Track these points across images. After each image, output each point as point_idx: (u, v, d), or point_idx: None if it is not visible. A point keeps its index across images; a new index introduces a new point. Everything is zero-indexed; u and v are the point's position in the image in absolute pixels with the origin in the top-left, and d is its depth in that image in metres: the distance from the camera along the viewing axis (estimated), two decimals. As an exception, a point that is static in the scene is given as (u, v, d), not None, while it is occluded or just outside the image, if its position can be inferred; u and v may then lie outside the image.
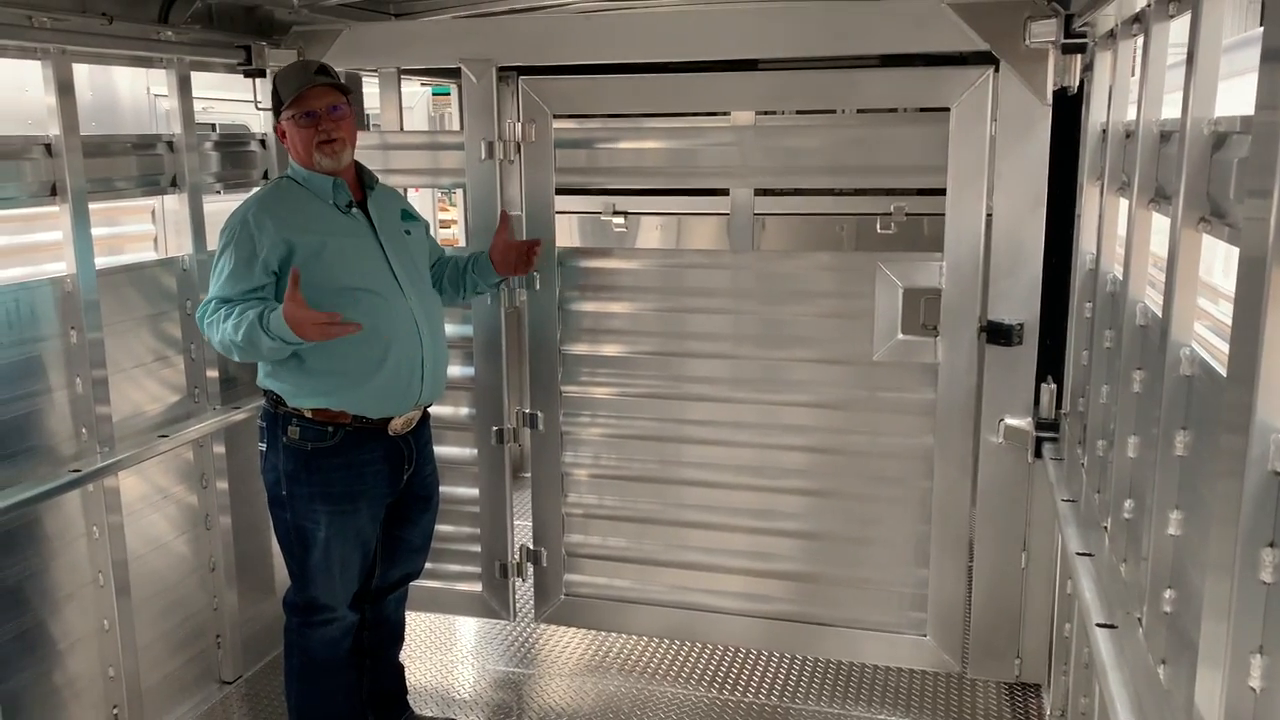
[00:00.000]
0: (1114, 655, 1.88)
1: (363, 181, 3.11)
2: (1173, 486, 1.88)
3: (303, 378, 2.94)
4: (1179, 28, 2.20)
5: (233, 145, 3.96)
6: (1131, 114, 2.57)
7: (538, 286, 3.71)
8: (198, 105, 3.66)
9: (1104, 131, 2.86)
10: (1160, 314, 1.96)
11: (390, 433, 3.06)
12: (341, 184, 3.00)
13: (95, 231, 3.15)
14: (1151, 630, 1.92)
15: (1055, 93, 3.18)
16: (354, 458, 3.01)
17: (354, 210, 3.03)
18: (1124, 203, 2.57)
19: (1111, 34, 2.74)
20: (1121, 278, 2.37)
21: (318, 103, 2.94)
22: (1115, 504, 2.33)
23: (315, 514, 3.01)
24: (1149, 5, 2.24)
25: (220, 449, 3.72)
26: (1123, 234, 2.51)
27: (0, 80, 5.05)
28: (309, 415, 2.97)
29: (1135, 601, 2.04)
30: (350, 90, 3.08)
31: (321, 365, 2.92)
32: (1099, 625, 1.99)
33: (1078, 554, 2.34)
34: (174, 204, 3.66)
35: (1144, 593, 1.95)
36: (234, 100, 4.82)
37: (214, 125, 5.39)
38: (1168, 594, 1.86)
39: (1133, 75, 2.62)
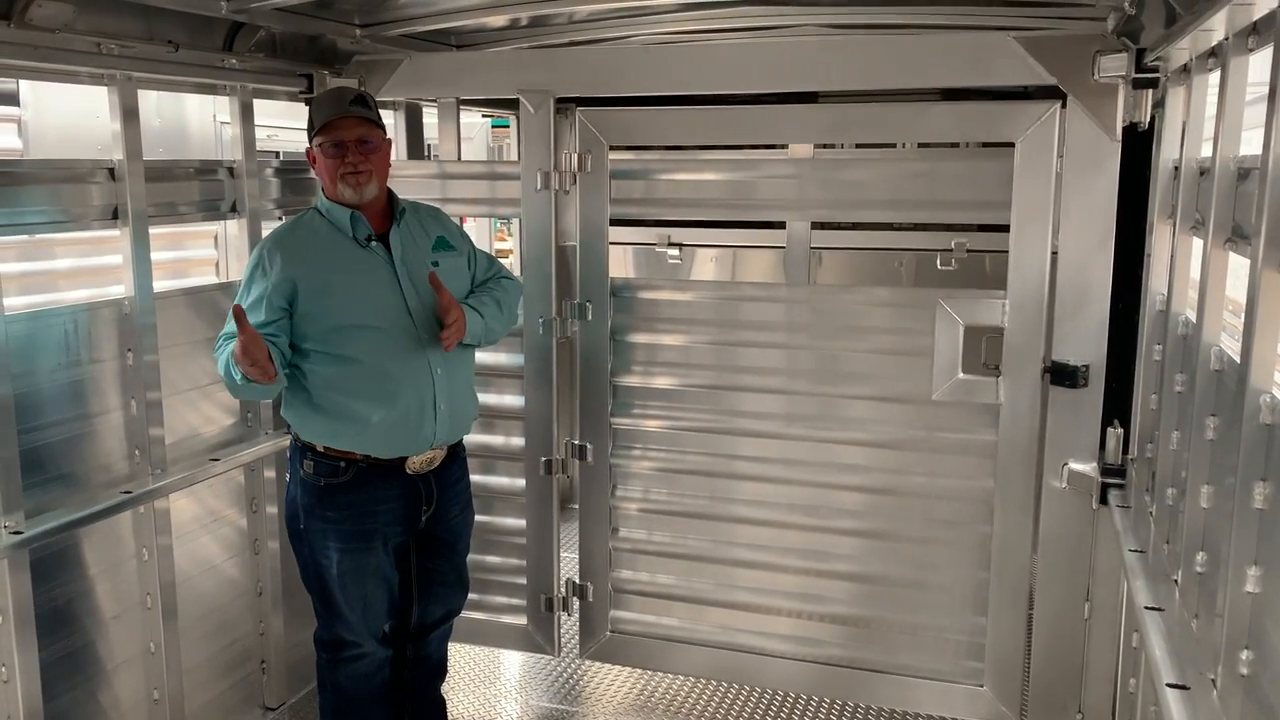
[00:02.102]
0: (1186, 719, 1.78)
1: (392, 212, 3.04)
2: (1251, 541, 1.78)
3: (309, 414, 2.91)
4: (1258, 62, 2.12)
5: (292, 172, 4.00)
6: (1206, 151, 2.48)
7: (590, 317, 3.68)
8: (262, 133, 3.70)
9: (1176, 169, 2.77)
10: (1238, 359, 1.87)
11: (408, 471, 2.99)
12: (360, 217, 2.94)
13: (161, 255, 3.19)
14: (1226, 693, 1.81)
15: (1125, 129, 3.09)
16: (366, 495, 2.94)
17: (373, 244, 2.96)
18: (1198, 242, 2.48)
19: (1185, 69, 2.65)
20: (1195, 320, 2.28)
21: (348, 133, 2.88)
22: (1186, 556, 2.22)
23: (329, 550, 2.96)
24: (1226, 39, 2.15)
25: (271, 474, 3.73)
26: (1196, 274, 2.42)
27: (75, 107, 5.18)
28: (321, 450, 2.93)
29: (1208, 661, 1.93)
30: (382, 125, 3.01)
31: (325, 403, 2.88)
32: (1170, 686, 1.89)
33: (1146, 608, 2.23)
34: (234, 229, 3.70)
35: (1219, 652, 1.85)
36: (298, 129, 4.89)
37: (278, 153, 5.48)
38: (1244, 655, 1.75)
39: (1208, 111, 2.53)
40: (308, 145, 3.01)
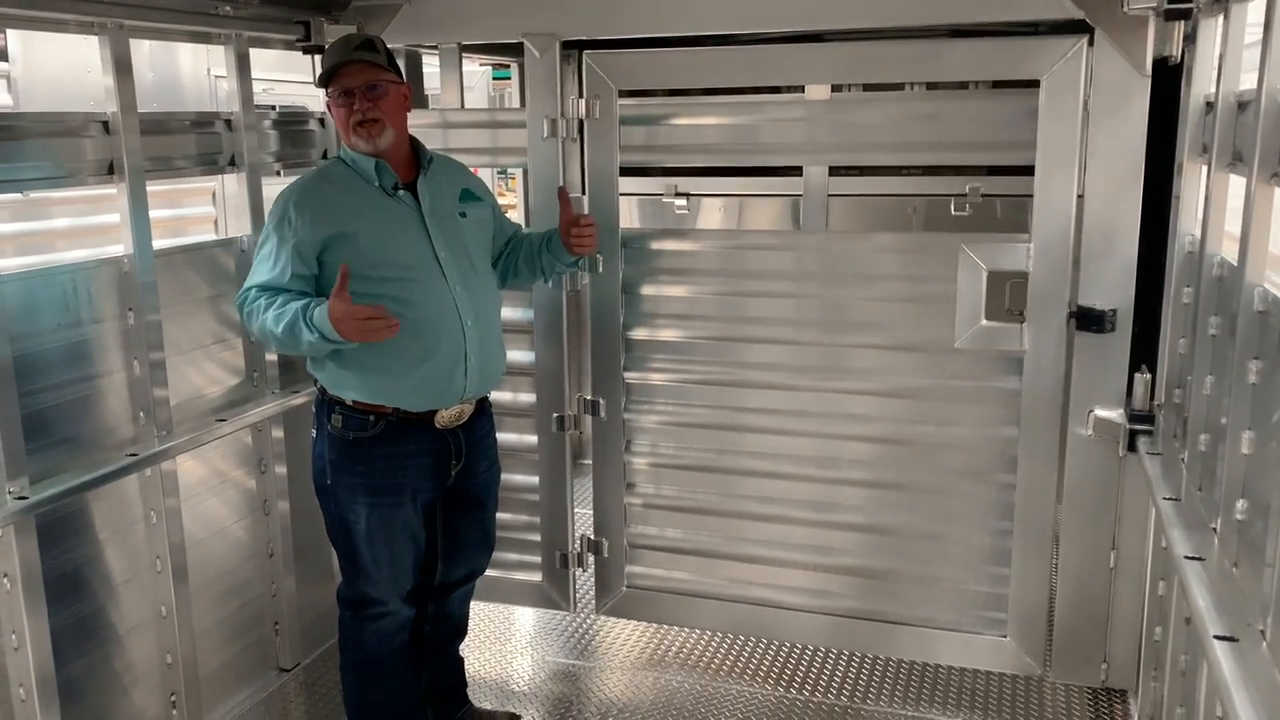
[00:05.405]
0: (1237, 672, 1.72)
1: (418, 160, 2.98)
2: (1302, 489, 1.71)
3: (339, 368, 2.84)
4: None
5: (291, 124, 3.89)
6: (1245, 84, 2.38)
7: (600, 270, 3.59)
8: (259, 86, 3.59)
9: (1209, 104, 2.66)
10: (1289, 299, 1.79)
11: (437, 425, 2.93)
12: (384, 166, 2.86)
13: (159, 214, 3.09)
14: (1277, 644, 1.75)
15: (1154, 63, 2.98)
16: (396, 449, 2.89)
17: (400, 193, 2.89)
18: (1236, 179, 2.39)
19: (1221, -3, 2.54)
20: (1235, 261, 2.19)
21: (355, 80, 2.79)
22: (1226, 504, 2.16)
23: (357, 505, 2.91)
24: (1272, -38, 2.05)
25: (279, 433, 3.66)
26: (1231, 213, 2.33)
27: (66, 62, 5.05)
28: (350, 404, 2.87)
29: (1256, 612, 1.87)
30: (394, 68, 2.90)
31: (356, 356, 2.80)
32: (1218, 638, 1.83)
33: (1187, 558, 2.17)
34: (232, 185, 3.61)
35: (1268, 603, 1.79)
36: (295, 82, 4.77)
37: (274, 107, 5.35)
38: (1295, 606, 1.70)
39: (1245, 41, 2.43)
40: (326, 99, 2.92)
